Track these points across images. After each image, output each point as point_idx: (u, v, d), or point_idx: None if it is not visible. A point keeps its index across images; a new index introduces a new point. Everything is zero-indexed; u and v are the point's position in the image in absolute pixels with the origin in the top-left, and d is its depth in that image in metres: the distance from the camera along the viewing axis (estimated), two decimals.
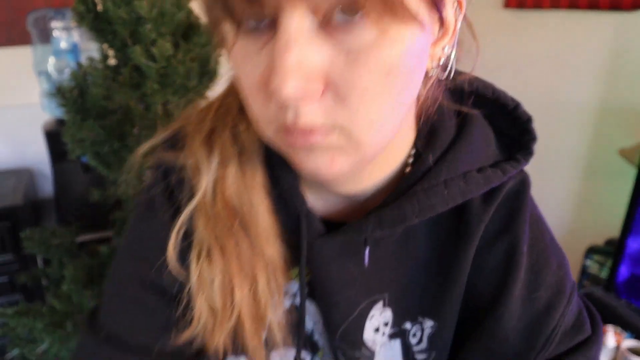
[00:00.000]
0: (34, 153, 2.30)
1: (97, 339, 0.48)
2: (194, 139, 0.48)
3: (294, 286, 0.50)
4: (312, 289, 0.49)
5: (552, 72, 1.87)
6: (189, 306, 0.47)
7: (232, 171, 0.46)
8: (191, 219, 0.47)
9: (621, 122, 1.74)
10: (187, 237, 0.47)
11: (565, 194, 1.92)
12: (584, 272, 1.69)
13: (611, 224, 1.59)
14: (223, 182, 0.46)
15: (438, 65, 0.42)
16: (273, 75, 0.32)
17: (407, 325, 0.50)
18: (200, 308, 0.46)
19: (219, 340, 0.47)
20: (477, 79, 0.49)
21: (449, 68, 0.42)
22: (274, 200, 0.47)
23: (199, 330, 0.47)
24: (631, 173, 1.49)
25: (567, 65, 1.81)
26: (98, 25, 1.09)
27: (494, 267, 0.47)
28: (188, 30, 1.13)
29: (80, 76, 1.07)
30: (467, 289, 0.48)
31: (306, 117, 0.34)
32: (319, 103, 0.34)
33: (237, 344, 0.48)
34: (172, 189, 0.49)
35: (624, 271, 1.53)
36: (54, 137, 1.94)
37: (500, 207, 0.47)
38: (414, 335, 0.50)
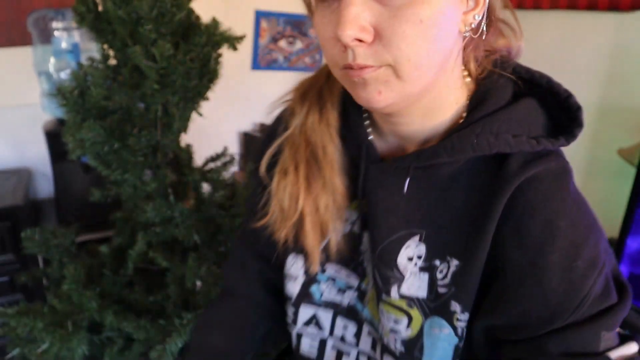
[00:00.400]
0: (35, 153, 2.30)
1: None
2: (295, 96, 0.67)
3: (353, 215, 0.64)
4: (366, 220, 0.62)
5: (550, 73, 1.87)
6: (267, 203, 0.65)
7: (314, 117, 0.63)
8: (281, 146, 0.66)
9: (620, 122, 1.74)
10: (275, 156, 0.66)
11: None
12: None
13: (610, 224, 1.59)
14: (306, 124, 0.64)
15: (470, 29, 0.52)
16: (338, 26, 0.46)
17: (437, 262, 0.58)
18: (274, 206, 0.64)
19: (284, 233, 0.64)
20: (534, 70, 0.61)
21: (479, 31, 0.53)
22: (343, 140, 0.63)
23: (271, 221, 0.65)
24: (630, 173, 1.49)
25: (566, 66, 1.82)
26: (98, 25, 1.10)
27: (531, 235, 0.52)
28: (188, 30, 1.13)
29: (81, 76, 1.07)
30: (503, 251, 0.54)
31: (360, 57, 0.48)
32: (370, 47, 0.48)
33: (299, 244, 0.64)
34: (276, 126, 0.70)
35: (623, 271, 1.54)
36: (54, 137, 1.95)
37: (540, 181, 0.53)
38: (441, 271, 0.58)
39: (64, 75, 2.02)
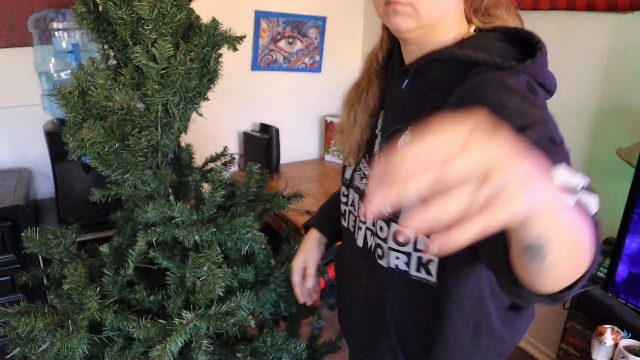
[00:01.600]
0: (35, 153, 2.30)
1: None
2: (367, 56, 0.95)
3: (379, 122, 0.89)
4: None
5: None
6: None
7: (373, 56, 0.93)
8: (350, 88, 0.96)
9: (619, 123, 1.74)
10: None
11: None
12: None
13: (609, 224, 1.59)
14: (364, 70, 0.94)
15: None
16: None
17: None
18: (340, 125, 0.96)
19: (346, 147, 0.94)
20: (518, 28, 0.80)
21: None
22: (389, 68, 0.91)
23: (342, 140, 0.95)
24: (629, 173, 1.50)
25: (565, 66, 1.82)
26: (99, 26, 1.10)
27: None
28: (188, 30, 1.13)
29: (82, 77, 1.07)
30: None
31: None
32: None
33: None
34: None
35: (622, 270, 1.54)
36: (54, 137, 1.95)
37: (492, 75, 0.71)
38: None
39: (64, 75, 2.02)
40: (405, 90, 0.83)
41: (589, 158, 1.81)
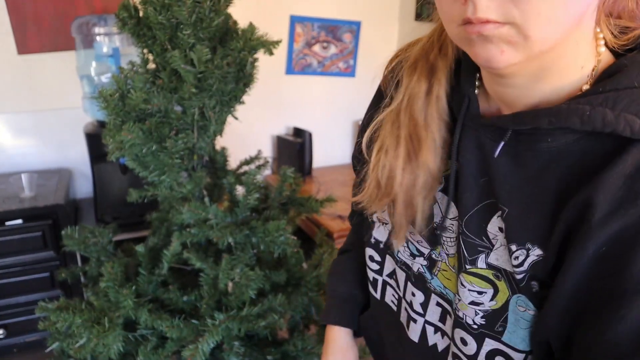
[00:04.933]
0: (75, 154, 2.37)
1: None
2: (404, 66, 0.62)
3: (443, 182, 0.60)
4: (448, 185, 0.58)
5: None
6: (364, 179, 0.64)
7: (422, 90, 0.58)
8: (382, 121, 0.62)
9: None
10: (377, 132, 0.63)
11: None
12: None
13: None
14: (413, 98, 0.58)
15: None
16: None
17: (513, 247, 0.51)
18: (371, 182, 0.62)
19: (376, 208, 0.64)
20: None
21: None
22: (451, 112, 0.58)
23: (366, 197, 0.63)
24: None
25: None
26: (139, 30, 1.13)
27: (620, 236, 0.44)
28: (225, 35, 1.15)
29: (122, 80, 1.10)
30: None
31: (482, 10, 0.41)
32: (495, 0, 0.41)
33: (388, 217, 0.65)
34: (377, 99, 0.71)
35: None
36: (94, 138, 2.01)
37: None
38: (516, 258, 0.51)
39: (105, 78, 2.08)
40: (498, 157, 0.53)
41: None
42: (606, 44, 0.48)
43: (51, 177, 2.22)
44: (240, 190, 1.30)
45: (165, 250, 1.17)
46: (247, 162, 1.43)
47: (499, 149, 0.52)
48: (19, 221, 1.89)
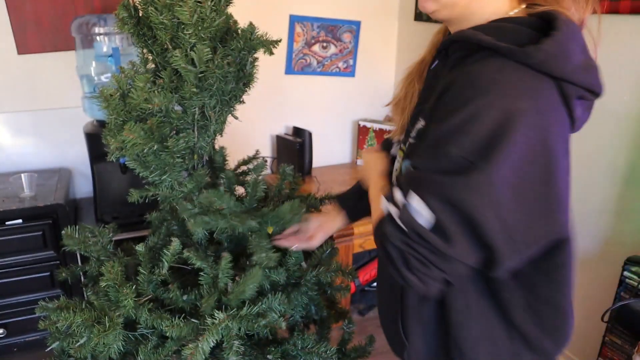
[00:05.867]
0: (75, 153, 2.38)
1: None
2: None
3: None
4: None
5: None
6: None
7: (439, 32, 0.90)
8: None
9: None
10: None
11: (604, 203, 1.87)
12: (621, 283, 1.64)
13: None
14: (428, 44, 0.91)
15: None
16: None
17: (419, 125, 0.82)
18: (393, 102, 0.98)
19: (394, 116, 0.97)
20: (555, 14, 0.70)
21: None
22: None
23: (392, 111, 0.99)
24: None
25: (606, 71, 1.77)
26: (139, 30, 1.13)
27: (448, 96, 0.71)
28: (225, 35, 1.15)
29: (123, 80, 1.10)
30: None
31: None
32: None
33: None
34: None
35: None
36: (93, 138, 2.01)
37: (480, 62, 0.68)
38: (414, 131, 0.83)
39: (104, 78, 2.08)
40: (432, 70, 0.84)
41: (631, 166, 1.75)
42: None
43: (51, 177, 2.22)
44: (239, 189, 1.31)
45: (165, 249, 1.17)
46: (245, 162, 1.43)
47: (434, 65, 0.84)
48: (19, 221, 1.90)
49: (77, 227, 1.34)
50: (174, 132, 1.15)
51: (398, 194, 0.70)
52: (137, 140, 1.04)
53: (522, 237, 0.66)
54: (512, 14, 0.72)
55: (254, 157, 1.43)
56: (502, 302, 0.79)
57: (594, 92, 0.71)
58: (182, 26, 1.05)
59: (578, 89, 0.67)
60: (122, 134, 1.04)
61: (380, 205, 0.76)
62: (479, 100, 0.62)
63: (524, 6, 0.74)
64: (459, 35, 0.73)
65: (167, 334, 1.09)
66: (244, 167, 1.42)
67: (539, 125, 0.62)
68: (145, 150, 1.07)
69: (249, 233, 1.14)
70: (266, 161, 1.43)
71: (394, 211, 0.70)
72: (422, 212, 0.65)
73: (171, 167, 1.12)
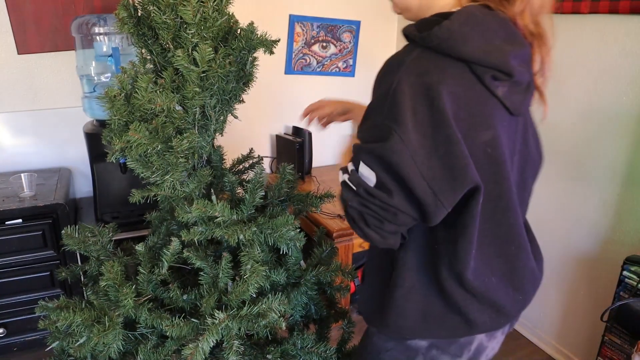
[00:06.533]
0: (75, 153, 2.38)
1: None
2: None
3: None
4: None
5: (590, 78, 1.83)
6: None
7: None
8: None
9: None
10: None
11: (603, 203, 1.87)
12: (621, 282, 1.64)
13: None
14: None
15: None
16: None
17: None
18: None
19: None
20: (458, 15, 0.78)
21: None
22: None
23: None
24: None
25: (606, 71, 1.77)
26: (139, 30, 1.13)
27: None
28: (227, 34, 1.15)
29: (125, 80, 1.10)
30: None
31: None
32: None
33: None
34: None
35: None
36: (93, 138, 2.01)
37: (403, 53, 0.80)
38: None
39: (104, 78, 2.08)
40: None
41: (630, 165, 1.75)
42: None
43: (51, 177, 2.22)
44: (240, 189, 1.31)
45: (165, 249, 1.17)
46: (240, 160, 1.43)
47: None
48: (19, 220, 1.90)
49: (77, 226, 1.34)
50: (176, 132, 1.15)
51: (349, 163, 0.83)
52: (142, 140, 1.04)
53: (440, 188, 0.76)
54: (457, 9, 0.80)
55: (249, 156, 1.43)
56: (432, 257, 0.88)
57: (504, 72, 0.77)
58: (185, 26, 1.05)
59: (486, 69, 0.75)
60: (128, 134, 1.04)
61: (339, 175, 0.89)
62: (390, 77, 0.75)
63: (465, 3, 0.82)
64: (404, 30, 0.84)
65: (167, 334, 1.09)
66: (239, 166, 1.43)
67: (441, 93, 0.72)
68: (149, 150, 1.07)
69: (243, 242, 1.14)
70: (262, 159, 1.44)
71: (346, 177, 0.83)
72: (366, 174, 0.78)
73: (174, 167, 1.12)
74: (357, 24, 2.84)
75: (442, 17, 0.77)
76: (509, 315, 0.93)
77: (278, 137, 2.80)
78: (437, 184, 0.75)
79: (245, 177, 1.40)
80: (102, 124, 2.07)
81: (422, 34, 0.75)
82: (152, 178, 1.13)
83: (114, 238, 1.37)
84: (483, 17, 0.77)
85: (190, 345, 1.03)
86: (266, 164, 2.88)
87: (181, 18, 1.04)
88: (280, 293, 1.17)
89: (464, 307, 0.88)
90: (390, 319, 0.93)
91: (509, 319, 0.95)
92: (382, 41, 2.98)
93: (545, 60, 0.86)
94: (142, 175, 1.13)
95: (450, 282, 0.87)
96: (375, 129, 0.77)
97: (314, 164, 2.84)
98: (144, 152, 1.07)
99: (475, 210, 0.80)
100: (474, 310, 0.89)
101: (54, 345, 1.20)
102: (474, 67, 0.75)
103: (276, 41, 1.19)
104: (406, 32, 0.81)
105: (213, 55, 1.06)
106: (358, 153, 0.80)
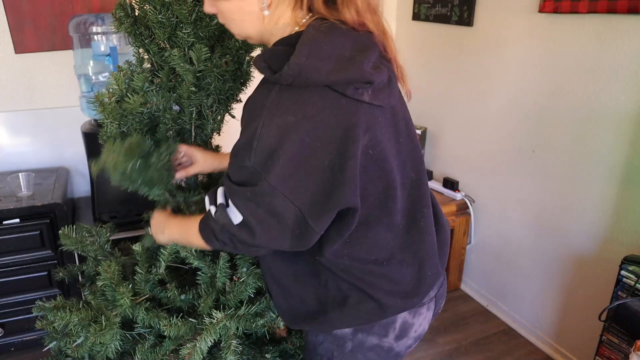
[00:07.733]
0: (73, 153, 2.37)
1: None
2: None
3: None
4: None
5: (588, 77, 1.83)
6: None
7: None
8: None
9: None
10: None
11: (601, 202, 1.88)
12: (619, 282, 1.64)
13: None
14: None
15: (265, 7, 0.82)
16: None
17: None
18: None
19: None
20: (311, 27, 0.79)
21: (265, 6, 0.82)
22: None
23: None
24: None
25: (604, 70, 1.77)
26: (136, 30, 1.13)
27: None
28: (222, 33, 1.15)
29: (121, 79, 1.10)
30: None
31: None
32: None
33: None
34: None
35: None
36: (91, 137, 2.00)
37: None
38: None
39: (102, 77, 2.08)
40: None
41: (628, 165, 1.76)
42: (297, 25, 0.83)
43: (48, 176, 2.21)
44: None
45: (162, 249, 1.17)
46: None
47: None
48: (17, 220, 1.89)
49: (74, 226, 1.34)
50: (171, 132, 1.14)
51: (220, 196, 0.87)
52: (118, 159, 1.02)
53: (310, 213, 0.79)
54: (297, 29, 0.82)
55: None
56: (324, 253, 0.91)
57: (363, 82, 0.78)
58: (181, 25, 1.05)
59: (346, 86, 0.77)
60: (102, 156, 1.02)
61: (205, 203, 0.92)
62: (254, 122, 0.77)
63: (308, 16, 0.83)
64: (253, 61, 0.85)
65: (165, 334, 1.09)
66: None
67: (308, 129, 0.74)
68: (128, 168, 1.03)
69: None
70: None
71: (213, 210, 0.87)
72: (234, 212, 0.82)
73: (159, 180, 1.09)
74: None
75: (287, 44, 0.78)
76: (419, 293, 0.96)
77: None
78: (308, 211, 0.79)
79: None
80: (99, 123, 2.06)
81: (275, 75, 0.76)
82: (139, 192, 1.09)
83: (111, 238, 1.37)
84: (325, 37, 0.77)
85: (188, 345, 1.03)
86: None
87: (177, 17, 1.04)
88: None
89: (373, 294, 0.92)
90: (310, 318, 0.97)
91: (422, 297, 0.98)
92: None
93: (389, 45, 0.88)
94: (130, 190, 1.09)
95: (350, 273, 0.91)
96: (244, 170, 0.80)
97: None
98: (123, 170, 1.03)
99: (352, 222, 0.85)
100: (382, 295, 0.92)
101: (51, 345, 1.20)
102: (334, 87, 0.77)
103: None
104: (260, 70, 0.81)
105: (209, 54, 1.06)
106: (229, 194, 0.84)
